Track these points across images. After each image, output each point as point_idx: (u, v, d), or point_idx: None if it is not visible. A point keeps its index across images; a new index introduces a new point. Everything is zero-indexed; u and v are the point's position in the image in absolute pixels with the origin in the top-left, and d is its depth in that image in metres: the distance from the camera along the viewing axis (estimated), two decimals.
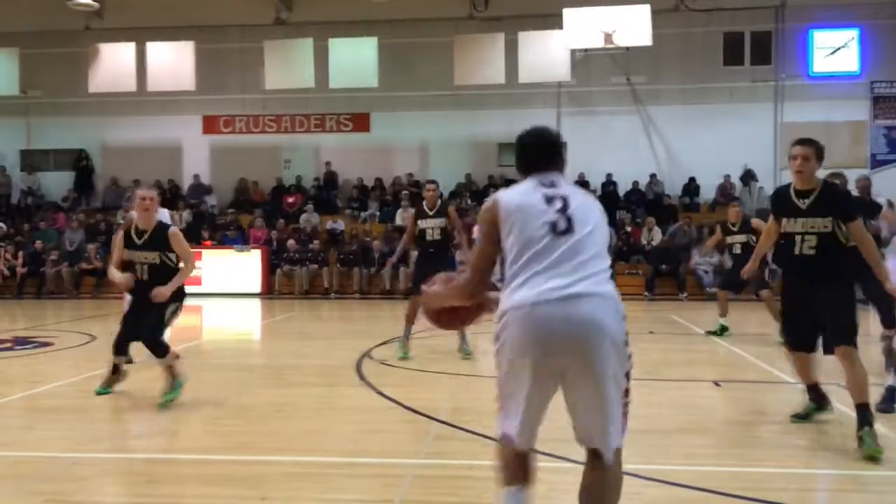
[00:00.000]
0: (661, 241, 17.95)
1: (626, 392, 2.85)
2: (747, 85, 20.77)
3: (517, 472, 2.91)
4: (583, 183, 20.72)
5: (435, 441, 4.97)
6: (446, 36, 20.14)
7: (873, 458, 4.44)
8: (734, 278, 9.28)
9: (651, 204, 20.06)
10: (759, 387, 6.92)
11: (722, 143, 20.15)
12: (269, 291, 18.11)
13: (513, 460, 2.91)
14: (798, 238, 4.94)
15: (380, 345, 9.28)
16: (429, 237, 8.25)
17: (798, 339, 5.14)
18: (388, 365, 7.91)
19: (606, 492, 2.88)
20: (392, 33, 20.78)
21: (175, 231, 6.17)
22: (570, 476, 4.29)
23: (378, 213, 20.59)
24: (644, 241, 18.30)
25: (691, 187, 20.51)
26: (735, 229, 10.09)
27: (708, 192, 20.57)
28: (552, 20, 18.99)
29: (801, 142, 5.04)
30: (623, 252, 18.03)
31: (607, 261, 2.89)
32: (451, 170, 21.18)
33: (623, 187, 20.69)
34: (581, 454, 2.97)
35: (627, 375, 2.84)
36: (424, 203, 8.43)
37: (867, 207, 6.93)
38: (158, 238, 6.08)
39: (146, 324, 6.04)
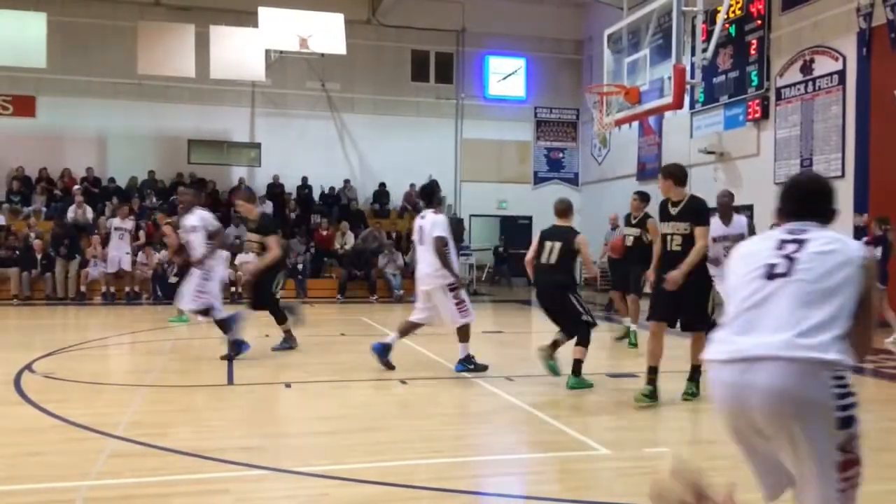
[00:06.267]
0: (353, 245, 18.44)
1: None
2: (432, 101, 22.26)
3: None
4: (277, 185, 20.56)
5: (109, 459, 4.54)
6: (129, 20, 18.69)
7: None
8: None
9: (344, 208, 20.54)
10: (440, 383, 7.42)
11: (410, 153, 21.35)
12: None
13: None
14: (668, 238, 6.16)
15: (44, 356, 8.27)
16: (627, 243, 9.44)
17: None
18: (54, 378, 7.08)
19: None
20: (65, 10, 18.76)
21: None
22: (258, 483, 4.21)
23: (45, 209, 18.36)
24: (337, 246, 18.66)
25: (381, 194, 21.40)
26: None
27: (397, 200, 21.64)
28: (247, 17, 18.58)
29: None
30: (317, 255, 18.21)
31: None
32: (134, 165, 19.70)
33: (318, 191, 20.91)
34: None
35: None
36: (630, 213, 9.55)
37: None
38: None
39: None
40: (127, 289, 15.95)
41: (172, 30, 18.36)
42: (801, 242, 2.52)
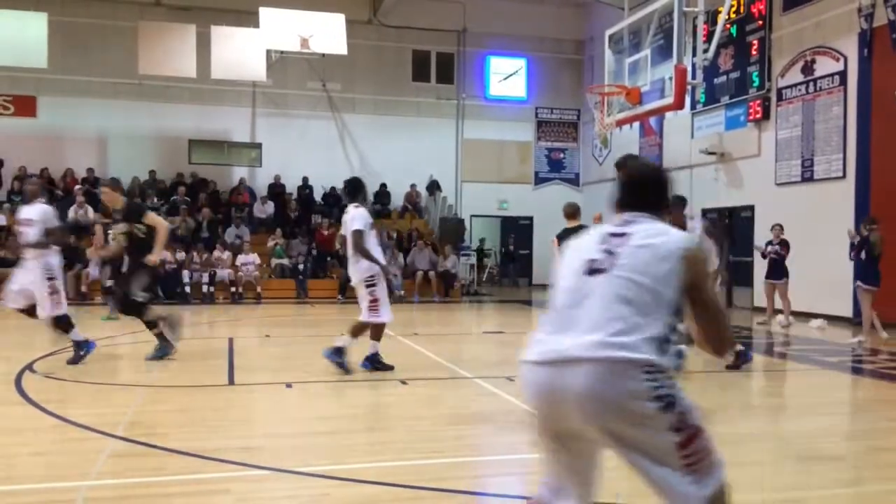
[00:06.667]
0: None
1: None
2: (433, 101, 22.25)
3: None
4: (278, 185, 20.56)
5: (109, 459, 4.54)
6: (130, 20, 18.70)
7: None
8: None
9: (345, 209, 20.50)
10: (440, 383, 7.42)
11: (410, 153, 21.35)
12: None
13: None
14: None
15: (44, 356, 8.27)
16: None
17: None
18: (54, 378, 7.09)
19: None
20: (65, 10, 18.77)
21: None
22: (258, 483, 4.21)
23: None
24: (338, 246, 18.63)
25: (382, 194, 21.40)
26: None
27: (397, 200, 21.65)
28: (248, 17, 18.58)
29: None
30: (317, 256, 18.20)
31: None
32: (135, 165, 19.69)
33: (319, 191, 20.92)
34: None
35: None
36: None
37: None
38: None
39: None
40: None
41: (173, 30, 18.37)
42: (624, 236, 2.40)
